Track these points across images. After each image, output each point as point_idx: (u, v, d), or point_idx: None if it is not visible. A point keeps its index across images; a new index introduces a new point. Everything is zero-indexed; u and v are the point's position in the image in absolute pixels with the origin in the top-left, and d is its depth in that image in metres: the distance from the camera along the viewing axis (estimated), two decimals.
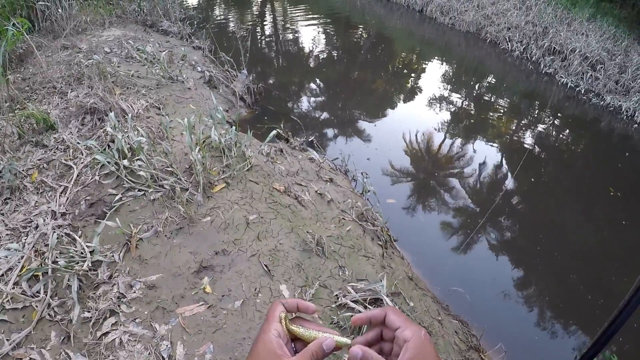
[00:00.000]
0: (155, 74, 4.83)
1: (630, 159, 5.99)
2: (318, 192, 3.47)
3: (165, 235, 2.65)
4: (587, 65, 7.95)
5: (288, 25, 10.37)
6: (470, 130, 6.35)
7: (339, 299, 2.42)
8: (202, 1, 11.64)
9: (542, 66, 8.36)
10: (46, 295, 2.23)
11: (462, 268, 3.77)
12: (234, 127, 3.48)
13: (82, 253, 2.47)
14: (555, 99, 7.64)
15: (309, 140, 4.71)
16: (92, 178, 3.05)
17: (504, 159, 5.58)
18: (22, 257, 2.42)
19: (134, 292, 2.31)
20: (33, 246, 2.50)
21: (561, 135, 6.69)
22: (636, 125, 6.77)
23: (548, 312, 3.50)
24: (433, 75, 8.36)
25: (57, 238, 2.50)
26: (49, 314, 2.17)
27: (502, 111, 7.04)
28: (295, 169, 3.78)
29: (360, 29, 10.76)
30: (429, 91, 7.40)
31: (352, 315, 2.22)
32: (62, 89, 4.18)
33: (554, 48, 8.61)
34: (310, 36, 9.47)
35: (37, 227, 2.65)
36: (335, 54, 8.85)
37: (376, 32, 10.47)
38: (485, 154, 5.53)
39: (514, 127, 6.65)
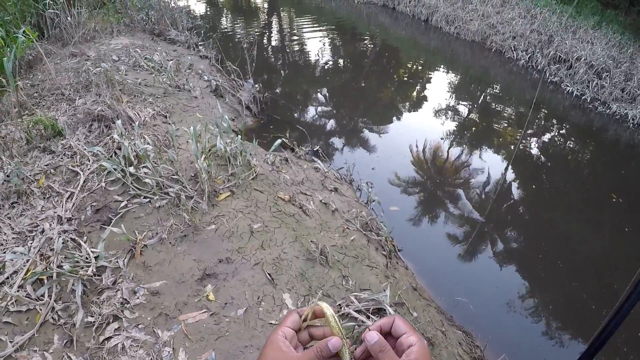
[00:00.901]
0: (162, 82, 4.87)
1: (638, 168, 5.96)
2: (323, 201, 3.48)
3: (170, 243, 2.66)
4: (592, 73, 7.92)
5: (294, 35, 10.46)
6: (475, 139, 6.34)
7: (342, 308, 2.41)
8: (209, 11, 11.77)
9: (547, 75, 8.35)
10: (50, 298, 2.24)
11: (466, 277, 3.75)
12: (239, 136, 3.50)
13: (86, 258, 2.48)
14: (560, 108, 7.63)
15: (315, 149, 4.72)
16: (98, 184, 3.07)
17: (508, 167, 5.56)
18: (28, 260, 2.44)
19: (138, 298, 2.31)
20: (39, 250, 2.53)
21: (568, 144, 6.67)
22: None
23: (552, 322, 3.46)
24: (438, 84, 8.37)
25: (63, 243, 2.51)
26: (52, 318, 2.18)
27: (507, 120, 7.03)
28: (300, 178, 3.78)
29: (366, 38, 10.82)
30: (435, 101, 7.40)
31: (354, 325, 2.23)
32: (70, 96, 4.23)
33: (560, 56, 8.59)
34: (316, 46, 9.54)
35: (43, 231, 2.67)
36: (341, 64, 8.90)
37: (382, 42, 10.53)
38: (489, 163, 5.52)
39: (518, 136, 6.63)
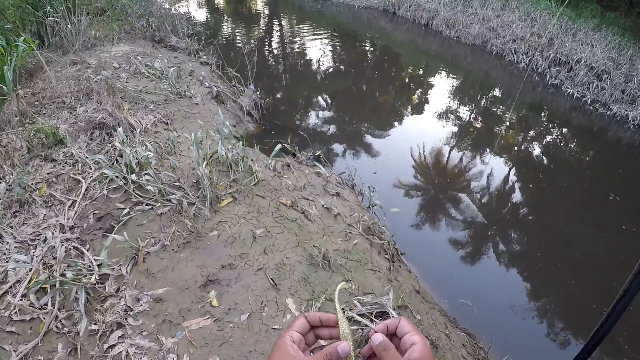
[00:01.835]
0: (163, 89, 4.89)
1: (638, 168, 5.96)
2: (325, 206, 3.48)
3: (173, 249, 2.66)
4: (593, 75, 7.94)
5: (295, 40, 10.49)
6: (476, 142, 6.34)
7: (345, 312, 2.41)
8: (209, 17, 11.83)
9: (548, 77, 8.36)
10: (54, 307, 2.24)
11: (469, 279, 3.74)
12: (241, 142, 3.50)
13: (89, 266, 2.48)
14: (561, 110, 7.63)
15: (316, 154, 4.73)
16: (100, 192, 3.08)
17: (511, 170, 5.56)
18: (31, 269, 2.44)
19: (141, 305, 2.31)
20: (41, 259, 2.53)
21: (569, 146, 6.67)
22: None
23: (555, 322, 3.45)
24: (439, 88, 8.39)
25: (65, 251, 2.52)
26: (56, 326, 2.18)
27: (508, 123, 7.03)
28: (302, 184, 3.79)
29: (367, 43, 10.86)
30: (436, 104, 7.42)
31: (358, 329, 2.22)
32: (71, 103, 4.24)
33: (560, 59, 8.61)
34: (317, 51, 9.57)
35: (45, 240, 2.67)
36: (342, 68, 8.92)
37: (382, 46, 10.56)
38: (491, 165, 5.52)
39: (520, 139, 6.64)
